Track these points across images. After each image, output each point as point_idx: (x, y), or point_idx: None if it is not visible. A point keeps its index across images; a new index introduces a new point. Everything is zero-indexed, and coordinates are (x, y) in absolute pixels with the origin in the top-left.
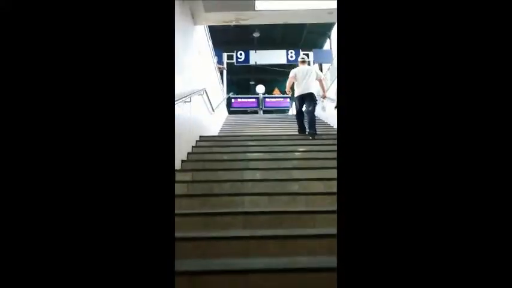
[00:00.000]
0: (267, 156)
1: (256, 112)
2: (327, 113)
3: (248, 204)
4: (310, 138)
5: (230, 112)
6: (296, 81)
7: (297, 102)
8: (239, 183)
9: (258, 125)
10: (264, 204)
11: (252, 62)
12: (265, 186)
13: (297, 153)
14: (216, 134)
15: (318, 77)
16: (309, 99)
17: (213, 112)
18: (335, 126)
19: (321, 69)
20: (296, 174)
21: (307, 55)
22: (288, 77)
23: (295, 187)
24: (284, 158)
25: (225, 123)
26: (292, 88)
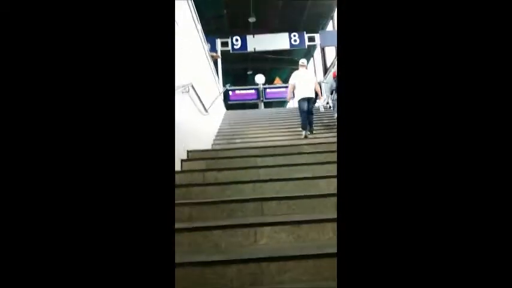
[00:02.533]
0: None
1: (256, 105)
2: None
3: None
4: (309, 133)
5: (228, 107)
6: (298, 85)
7: (301, 104)
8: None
9: (263, 125)
10: None
11: (250, 48)
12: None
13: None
14: (211, 142)
15: (315, 82)
16: (310, 101)
17: (206, 113)
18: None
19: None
20: None
21: (313, 38)
22: (288, 67)
23: None
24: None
25: (223, 125)
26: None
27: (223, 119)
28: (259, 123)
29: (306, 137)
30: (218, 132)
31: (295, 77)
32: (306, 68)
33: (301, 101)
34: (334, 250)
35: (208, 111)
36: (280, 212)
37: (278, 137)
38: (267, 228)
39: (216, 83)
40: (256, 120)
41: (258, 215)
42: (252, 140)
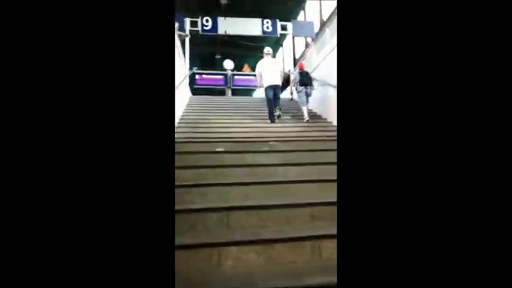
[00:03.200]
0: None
1: (223, 92)
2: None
3: None
4: (277, 119)
5: (193, 91)
6: (264, 73)
7: (268, 92)
8: None
9: (231, 114)
10: None
11: (221, 31)
12: None
13: None
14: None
15: (280, 70)
16: (277, 89)
17: None
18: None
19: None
20: None
21: (285, 27)
22: (258, 55)
23: None
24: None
25: (187, 112)
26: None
27: (188, 104)
28: (226, 112)
29: (273, 122)
30: (181, 119)
31: (261, 66)
32: (272, 57)
33: (267, 88)
34: (314, 280)
35: None
36: (249, 225)
37: (247, 128)
38: (233, 249)
39: (182, 65)
40: (224, 108)
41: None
42: (218, 131)
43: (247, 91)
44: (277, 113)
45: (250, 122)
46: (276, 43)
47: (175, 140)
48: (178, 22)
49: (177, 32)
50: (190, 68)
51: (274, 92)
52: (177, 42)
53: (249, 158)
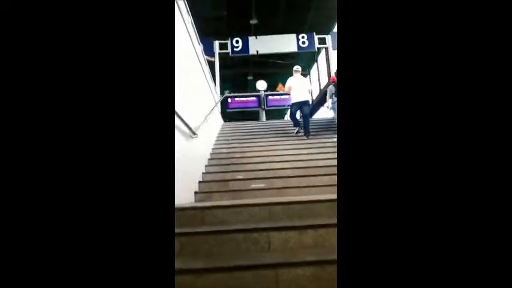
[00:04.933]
0: None
1: (256, 114)
2: None
3: None
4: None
5: (226, 116)
6: (292, 90)
7: (293, 108)
8: None
9: (269, 149)
10: None
11: (252, 51)
12: None
13: None
14: (193, 190)
15: (308, 88)
16: (304, 105)
17: (193, 135)
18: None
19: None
20: None
21: (324, 40)
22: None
23: None
24: None
25: (216, 149)
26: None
27: (219, 133)
28: (262, 140)
29: (297, 132)
30: (211, 153)
31: (290, 82)
32: (300, 74)
33: (293, 105)
34: None
35: (197, 133)
36: None
37: (287, 158)
38: None
39: (210, 92)
40: (258, 134)
41: None
42: (255, 168)
43: (283, 111)
44: (298, 128)
45: (291, 151)
46: (310, 59)
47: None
48: (201, 45)
49: (203, 57)
50: (222, 93)
51: (301, 108)
52: (205, 68)
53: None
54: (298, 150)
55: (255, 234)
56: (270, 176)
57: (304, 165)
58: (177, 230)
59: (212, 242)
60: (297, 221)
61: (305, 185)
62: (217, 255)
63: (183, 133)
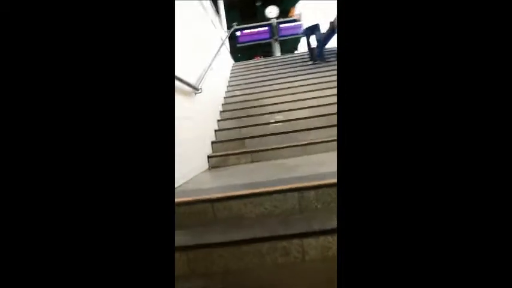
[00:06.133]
0: None
1: (269, 46)
2: None
3: None
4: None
5: (237, 52)
6: (303, 14)
7: (306, 33)
8: None
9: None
10: None
11: None
12: None
13: None
14: (203, 166)
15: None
16: (315, 29)
17: (197, 91)
18: None
19: None
20: None
21: None
22: None
23: None
24: None
25: (228, 99)
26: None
27: (230, 82)
28: (279, 89)
29: (314, 61)
30: (224, 104)
31: (301, 6)
32: None
33: (306, 30)
34: None
35: (201, 87)
36: None
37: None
38: None
39: (214, 28)
40: (273, 79)
41: None
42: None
43: (298, 41)
44: (310, 61)
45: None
46: None
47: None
48: None
49: None
50: (229, 28)
51: (313, 32)
52: (206, 3)
53: None
54: (320, 91)
55: (284, 243)
56: (290, 130)
57: (329, 111)
58: (182, 242)
59: (228, 256)
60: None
61: (333, 137)
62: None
63: (182, 92)
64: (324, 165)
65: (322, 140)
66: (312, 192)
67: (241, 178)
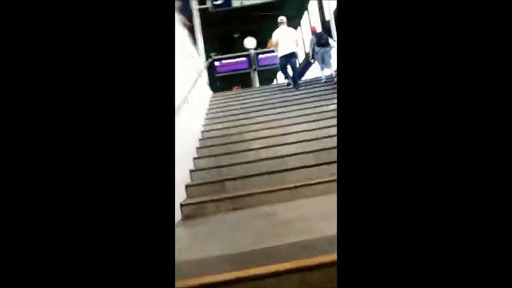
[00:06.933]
0: None
1: (248, 76)
2: None
3: None
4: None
5: (216, 82)
6: (280, 42)
7: (281, 61)
8: None
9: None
10: None
11: (235, 3)
12: None
13: None
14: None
15: (296, 39)
16: (292, 57)
17: None
18: None
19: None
20: None
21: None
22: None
23: None
24: None
25: (206, 133)
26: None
27: (208, 115)
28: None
29: (288, 84)
30: (201, 139)
31: (277, 35)
32: (286, 25)
33: (281, 58)
34: None
35: (177, 117)
36: None
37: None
38: None
39: (191, 61)
40: (254, 112)
41: None
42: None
43: (277, 71)
44: (288, 80)
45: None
46: (301, 8)
47: None
48: (181, 1)
49: (178, 15)
50: (208, 57)
51: (289, 61)
52: (181, 33)
53: None
54: (306, 124)
55: None
56: (276, 169)
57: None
58: None
59: None
60: None
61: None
62: None
63: None
64: (325, 217)
65: (318, 180)
66: (317, 274)
67: (222, 240)
